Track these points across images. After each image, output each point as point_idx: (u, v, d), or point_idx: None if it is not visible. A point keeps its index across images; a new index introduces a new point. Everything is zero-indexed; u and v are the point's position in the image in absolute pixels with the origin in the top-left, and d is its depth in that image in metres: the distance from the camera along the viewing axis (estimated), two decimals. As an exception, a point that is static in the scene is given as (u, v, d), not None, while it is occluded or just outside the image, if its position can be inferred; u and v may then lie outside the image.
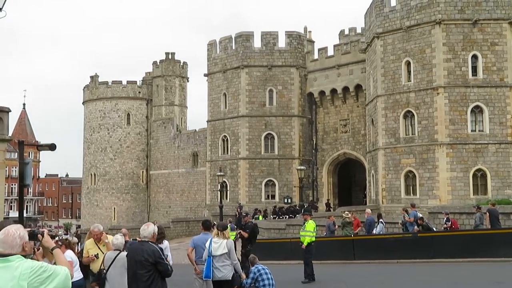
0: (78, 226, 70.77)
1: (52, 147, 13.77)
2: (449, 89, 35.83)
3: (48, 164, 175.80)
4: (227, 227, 11.03)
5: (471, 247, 20.12)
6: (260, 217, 36.98)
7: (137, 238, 14.92)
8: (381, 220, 23.91)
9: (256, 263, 12.15)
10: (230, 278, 10.38)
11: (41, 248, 4.77)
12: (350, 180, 52.23)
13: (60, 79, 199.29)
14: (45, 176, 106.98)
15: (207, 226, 11.44)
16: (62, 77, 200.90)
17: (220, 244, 10.20)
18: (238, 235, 18.66)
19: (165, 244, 12.24)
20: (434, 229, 23.07)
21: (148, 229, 8.11)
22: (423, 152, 36.44)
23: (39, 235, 4.67)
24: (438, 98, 35.92)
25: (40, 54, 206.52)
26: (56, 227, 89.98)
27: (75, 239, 14.66)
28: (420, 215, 23.54)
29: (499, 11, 35.96)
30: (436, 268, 18.84)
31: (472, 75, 35.80)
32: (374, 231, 23.46)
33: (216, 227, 10.67)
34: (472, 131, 35.62)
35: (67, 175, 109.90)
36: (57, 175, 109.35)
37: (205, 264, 10.28)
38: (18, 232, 4.17)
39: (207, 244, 10.46)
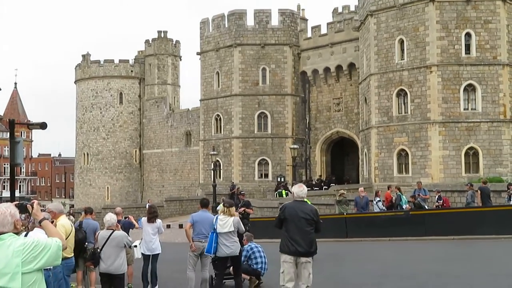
0: (72, 206, 70.78)
1: (43, 126, 13.70)
2: (442, 68, 35.78)
3: (41, 144, 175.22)
4: (233, 204, 11.07)
5: (463, 224, 20.28)
6: (284, 192, 36.77)
7: (129, 216, 14.98)
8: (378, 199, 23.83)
9: (251, 240, 12.23)
10: (238, 253, 10.57)
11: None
12: (343, 158, 52.37)
13: (52, 58, 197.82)
14: (38, 156, 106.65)
15: (204, 203, 11.50)
16: (53, 56, 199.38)
17: (227, 222, 10.29)
18: (242, 212, 18.68)
19: (158, 223, 12.28)
20: (426, 207, 23.20)
21: (304, 190, 8.84)
22: (415, 130, 36.52)
23: (28, 206, 4.68)
24: (431, 76, 35.89)
25: (31, 32, 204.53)
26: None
27: (71, 218, 14.68)
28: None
29: (493, -11, 35.78)
30: (428, 246, 19.02)
31: (465, 53, 35.74)
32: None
33: (223, 204, 10.75)
34: (464, 109, 35.67)
35: (60, 154, 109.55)
36: (50, 154, 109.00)
37: (209, 239, 10.36)
38: (8, 210, 4.18)
39: (213, 220, 10.60)
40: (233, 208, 10.70)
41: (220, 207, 11.07)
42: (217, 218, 10.45)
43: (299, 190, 8.73)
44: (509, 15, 36.27)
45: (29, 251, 3.98)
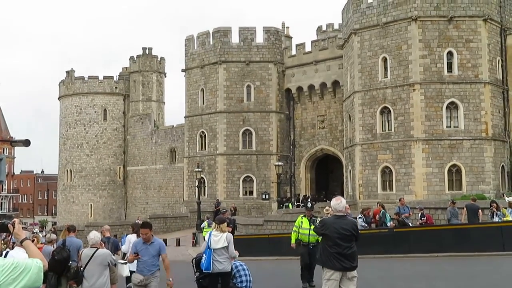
0: (54, 223, 70.01)
1: (26, 143, 13.61)
2: (425, 86, 36.19)
3: (23, 161, 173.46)
4: (225, 220, 11.06)
5: (447, 242, 20.38)
6: (290, 205, 40.47)
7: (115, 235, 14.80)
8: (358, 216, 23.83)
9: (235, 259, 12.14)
10: (229, 270, 10.57)
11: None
12: (327, 176, 52.50)
13: (35, 74, 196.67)
14: (20, 173, 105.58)
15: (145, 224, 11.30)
16: (37, 71, 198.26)
17: (220, 238, 10.34)
18: None
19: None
20: (410, 224, 23.29)
21: (341, 203, 8.57)
22: (399, 148, 36.78)
23: (9, 225, 4.60)
24: (414, 94, 36.27)
25: (14, 48, 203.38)
26: (32, 224, 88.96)
27: (54, 236, 14.49)
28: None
29: (474, 8, 36.41)
30: (412, 263, 19.05)
31: (448, 71, 36.21)
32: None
33: (214, 221, 10.85)
34: (447, 127, 36.03)
35: (42, 171, 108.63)
36: (32, 171, 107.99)
37: (205, 256, 10.34)
38: None
39: (206, 237, 10.63)
40: (224, 225, 10.75)
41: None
42: (210, 234, 10.50)
43: (336, 203, 8.58)
44: (489, 34, 36.89)
45: (8, 272, 3.84)
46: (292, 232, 14.36)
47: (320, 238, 12.14)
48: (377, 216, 23.61)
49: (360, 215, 23.69)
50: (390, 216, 23.25)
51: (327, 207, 25.97)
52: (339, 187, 47.87)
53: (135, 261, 10.96)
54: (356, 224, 8.80)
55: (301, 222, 13.92)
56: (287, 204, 41.84)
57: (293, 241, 14.25)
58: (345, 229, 8.32)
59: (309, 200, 43.45)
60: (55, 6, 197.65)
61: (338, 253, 8.25)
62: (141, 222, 14.58)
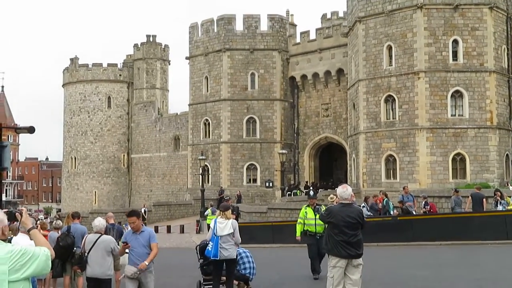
0: (59, 210, 70.33)
1: (30, 130, 13.64)
2: (429, 74, 36.03)
3: (28, 148, 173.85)
4: (229, 207, 11.10)
5: (450, 230, 20.40)
6: (298, 192, 41.60)
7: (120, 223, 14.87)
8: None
9: (238, 246, 12.19)
10: (235, 257, 10.63)
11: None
12: (331, 164, 52.50)
13: (40, 61, 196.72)
14: (25, 160, 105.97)
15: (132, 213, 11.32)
16: (41, 59, 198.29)
17: (226, 225, 10.40)
18: None
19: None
20: (414, 212, 23.30)
21: (348, 191, 8.59)
22: (403, 136, 36.71)
23: (17, 214, 4.64)
24: (419, 82, 36.13)
25: (19, 35, 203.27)
26: (36, 211, 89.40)
27: (59, 222, 14.57)
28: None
29: (480, -4, 36.14)
30: (415, 251, 19.10)
31: (453, 59, 36.02)
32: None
33: (218, 208, 10.82)
34: (452, 115, 35.92)
35: (47, 158, 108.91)
36: (37, 158, 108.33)
37: (213, 244, 10.39)
38: None
39: (211, 225, 10.64)
40: (229, 212, 10.79)
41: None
42: (215, 221, 10.53)
43: (343, 191, 8.58)
44: (495, 22, 36.64)
45: (16, 259, 3.88)
46: (297, 224, 13.64)
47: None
48: (380, 204, 23.64)
49: (363, 203, 23.68)
50: (392, 204, 23.27)
51: (331, 195, 25.99)
52: (343, 175, 47.89)
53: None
54: (362, 212, 8.80)
55: (306, 212, 13.31)
56: (295, 191, 42.05)
57: (298, 233, 13.59)
58: (351, 217, 8.34)
59: (311, 188, 43.54)
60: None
61: (343, 241, 8.26)
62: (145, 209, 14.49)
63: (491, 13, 36.16)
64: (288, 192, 41.61)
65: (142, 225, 9.16)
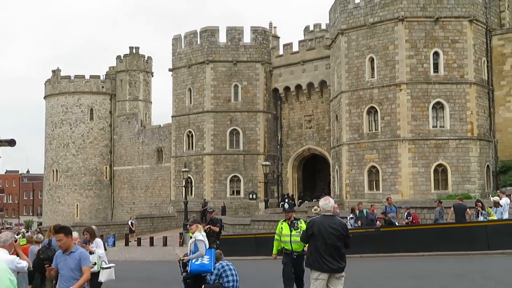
0: (40, 224, 69.50)
1: (11, 142, 13.41)
2: (411, 86, 36.37)
3: (9, 160, 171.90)
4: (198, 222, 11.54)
5: (432, 241, 20.49)
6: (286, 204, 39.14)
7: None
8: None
9: (221, 259, 12.11)
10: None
11: None
12: (314, 175, 52.59)
13: (21, 73, 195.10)
14: (5, 173, 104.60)
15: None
16: (23, 70, 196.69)
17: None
18: (208, 230, 18.48)
19: (97, 242, 11.69)
20: (397, 223, 23.40)
21: (330, 203, 8.49)
22: (386, 147, 36.93)
23: None
24: (400, 94, 36.43)
25: None
26: (17, 224, 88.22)
27: (40, 236, 14.34)
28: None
29: (459, 9, 36.65)
30: (399, 262, 19.13)
31: (434, 71, 36.42)
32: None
33: (198, 223, 11.44)
34: (433, 127, 36.24)
35: (28, 171, 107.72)
36: (17, 171, 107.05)
37: (210, 257, 10.78)
38: None
39: (203, 239, 11.14)
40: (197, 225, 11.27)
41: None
42: (203, 236, 11.20)
43: (325, 203, 8.51)
44: (475, 35, 37.17)
45: None
46: (274, 241, 11.96)
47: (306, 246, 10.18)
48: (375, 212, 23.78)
49: (351, 215, 23.64)
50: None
51: (315, 207, 26.01)
52: (326, 187, 47.97)
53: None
54: (345, 224, 8.72)
55: (281, 228, 11.63)
56: (282, 204, 41.55)
57: (274, 251, 11.99)
58: (334, 228, 8.27)
59: (286, 200, 43.21)
60: (41, 5, 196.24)
61: (323, 255, 8.20)
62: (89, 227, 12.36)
63: (471, 26, 36.68)
64: (282, 203, 41.24)
65: (75, 244, 7.88)
